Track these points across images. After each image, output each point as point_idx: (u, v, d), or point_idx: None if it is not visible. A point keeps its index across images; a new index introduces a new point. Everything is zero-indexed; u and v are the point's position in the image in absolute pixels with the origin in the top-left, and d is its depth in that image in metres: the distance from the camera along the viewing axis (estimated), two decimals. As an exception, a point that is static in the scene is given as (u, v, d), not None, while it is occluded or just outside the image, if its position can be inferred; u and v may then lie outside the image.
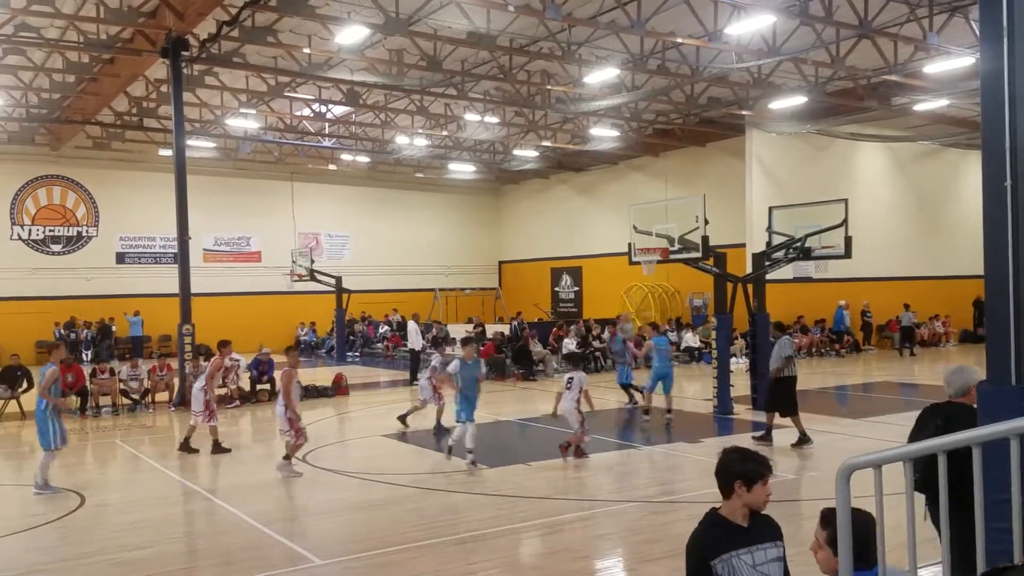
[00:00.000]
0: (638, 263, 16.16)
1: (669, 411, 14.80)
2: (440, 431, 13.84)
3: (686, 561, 3.50)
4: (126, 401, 17.83)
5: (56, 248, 31.09)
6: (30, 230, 30.63)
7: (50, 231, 30.98)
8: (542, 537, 8.38)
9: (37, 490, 10.44)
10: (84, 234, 31.64)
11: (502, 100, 24.91)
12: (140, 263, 32.36)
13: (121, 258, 32.19)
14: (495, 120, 27.37)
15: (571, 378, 11.84)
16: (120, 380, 17.97)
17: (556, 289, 38.00)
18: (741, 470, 3.49)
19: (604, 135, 28.82)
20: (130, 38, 19.38)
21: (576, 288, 36.98)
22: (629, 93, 23.20)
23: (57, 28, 18.96)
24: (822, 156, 28.14)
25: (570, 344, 23.39)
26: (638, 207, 17.31)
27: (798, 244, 15.68)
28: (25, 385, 17.19)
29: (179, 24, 17.28)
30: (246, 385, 19.00)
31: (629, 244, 16.15)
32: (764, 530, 3.55)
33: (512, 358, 22.62)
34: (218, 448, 12.69)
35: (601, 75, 21.11)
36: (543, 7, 16.40)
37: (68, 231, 31.30)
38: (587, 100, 24.04)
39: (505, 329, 25.97)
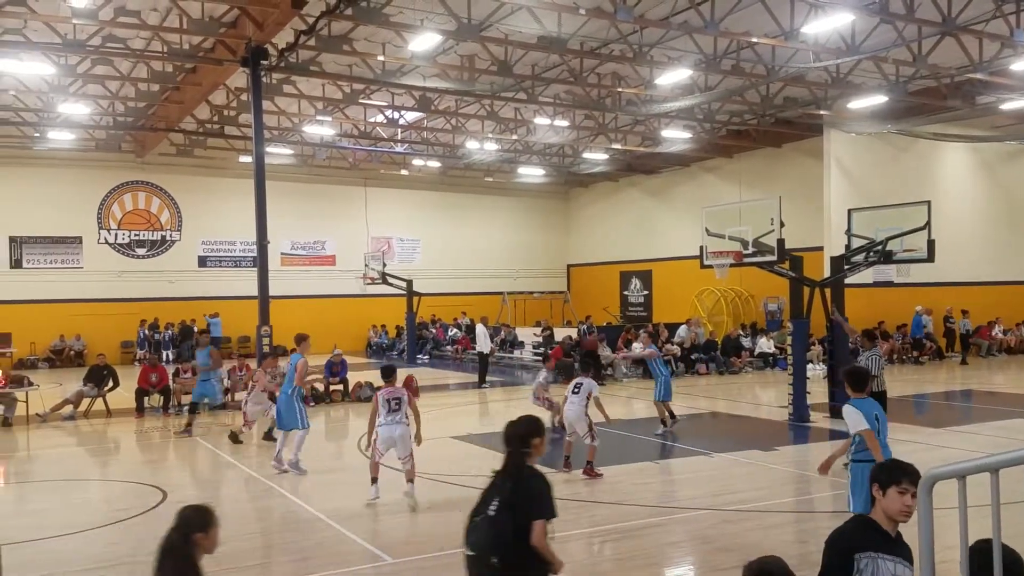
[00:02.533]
0: (710, 266, 15.88)
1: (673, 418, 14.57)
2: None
3: (825, 554, 3.53)
4: (206, 400, 18.35)
5: (141, 252, 32.33)
6: (116, 234, 31.92)
7: (135, 235, 32.22)
8: (613, 543, 8.31)
9: (293, 469, 11.06)
10: (168, 238, 32.82)
11: (572, 103, 24.87)
12: (221, 266, 33.36)
13: (203, 261, 33.27)
14: (565, 123, 27.35)
15: (579, 383, 11.35)
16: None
17: (625, 293, 37.70)
18: (877, 473, 3.60)
19: (676, 137, 28.48)
20: (211, 48, 20.02)
21: (646, 292, 36.63)
22: (702, 94, 22.88)
23: (142, 39, 19.72)
24: (903, 157, 27.23)
25: (638, 349, 23.14)
26: (711, 209, 17.00)
27: (879, 247, 15.19)
28: (111, 384, 17.90)
29: (258, 34, 17.76)
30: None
31: (701, 247, 15.90)
32: (905, 549, 3.58)
33: (580, 362, 22.49)
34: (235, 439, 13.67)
35: (673, 76, 20.87)
36: (614, 9, 16.32)
37: (153, 235, 32.51)
38: (659, 102, 23.80)
39: (573, 333, 25.88)
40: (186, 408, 17.91)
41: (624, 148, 30.68)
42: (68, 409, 17.26)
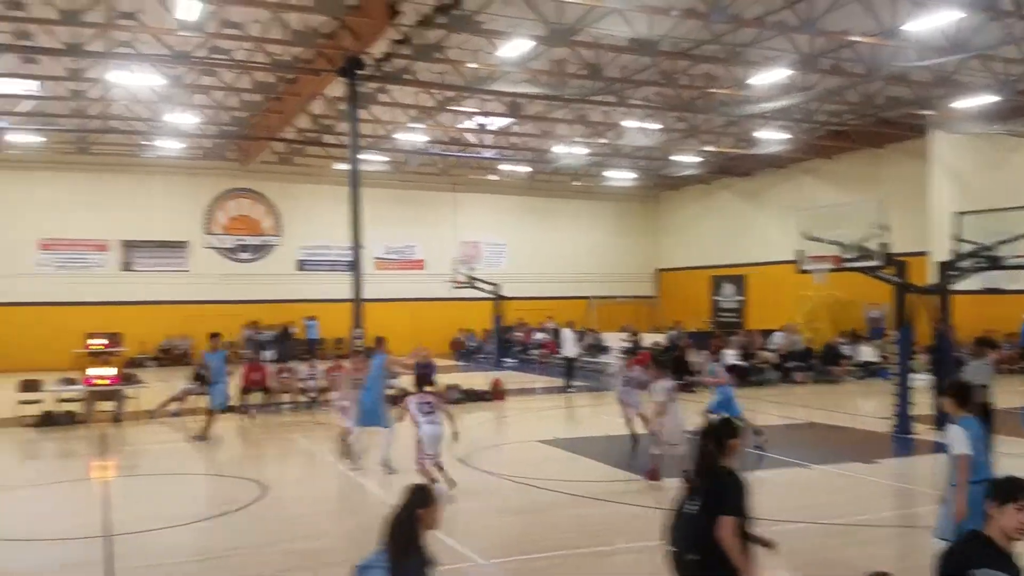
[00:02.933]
0: (807, 272, 15.41)
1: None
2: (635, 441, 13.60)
3: (938, 570, 3.47)
4: (303, 399, 18.95)
5: (244, 256, 33.61)
6: (221, 239, 33.29)
7: (239, 240, 33.54)
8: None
9: (384, 467, 11.33)
10: (269, 243, 34.02)
11: (663, 105, 24.58)
12: (318, 270, 34.34)
13: (301, 265, 34.33)
14: (655, 126, 27.05)
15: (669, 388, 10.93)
16: (299, 379, 19.15)
17: (717, 298, 36.95)
18: (994, 490, 3.53)
19: (771, 138, 27.78)
20: (311, 59, 20.66)
21: (739, 297, 35.81)
22: (799, 94, 22.25)
23: (246, 50, 20.49)
24: (1013, 158, 25.75)
25: (731, 356, 22.69)
26: (808, 212, 16.50)
27: (989, 252, 14.42)
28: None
29: (356, 44, 18.22)
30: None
31: (798, 252, 15.44)
32: (1018, 569, 3.50)
33: (655, 363, 22.22)
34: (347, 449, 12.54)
35: (768, 76, 20.37)
36: (708, 10, 16.05)
37: (255, 240, 33.77)
38: (753, 102, 23.27)
39: (661, 339, 25.53)
40: (284, 407, 18.57)
41: (717, 150, 30.11)
42: (174, 406, 18.09)
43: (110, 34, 18.82)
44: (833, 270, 14.91)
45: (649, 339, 25.76)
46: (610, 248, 39.20)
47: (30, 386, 17.50)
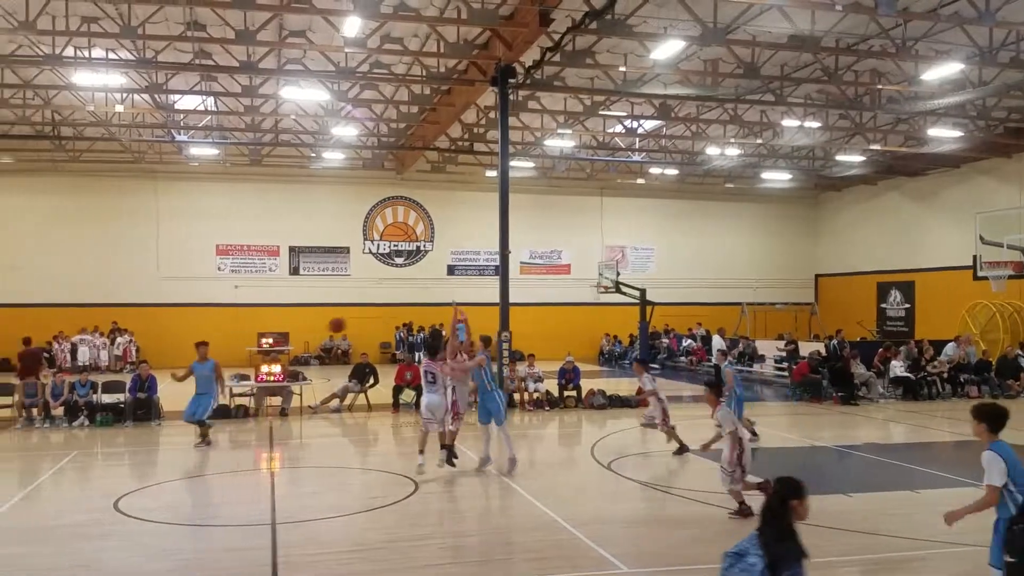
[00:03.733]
0: (985, 278, 14.25)
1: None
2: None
3: None
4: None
5: (399, 261, 34.99)
6: (378, 245, 34.81)
7: (394, 246, 34.95)
8: (863, 575, 7.69)
9: (509, 463, 11.67)
10: (422, 248, 35.25)
11: (825, 103, 23.49)
12: (467, 275, 35.24)
13: (451, 270, 35.35)
14: (816, 124, 25.87)
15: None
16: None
17: (883, 306, 34.83)
18: None
19: (944, 136, 25.90)
20: (465, 69, 21.22)
21: (907, 305, 33.59)
22: (975, 89, 20.64)
23: (404, 64, 21.33)
24: None
25: (898, 367, 21.31)
26: (986, 215, 15.29)
27: None
28: (372, 381, 19.51)
29: (508, 54, 18.54)
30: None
31: (974, 256, 14.34)
32: None
33: (830, 380, 21.14)
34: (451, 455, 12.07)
35: (941, 71, 19.04)
36: (875, 4, 15.18)
37: (409, 246, 35.10)
38: (924, 98, 21.80)
39: (821, 347, 24.32)
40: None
41: (884, 149, 28.41)
42: (335, 402, 19.06)
43: (282, 52, 20.11)
44: (1013, 277, 13.72)
45: (808, 348, 24.63)
46: (765, 252, 37.85)
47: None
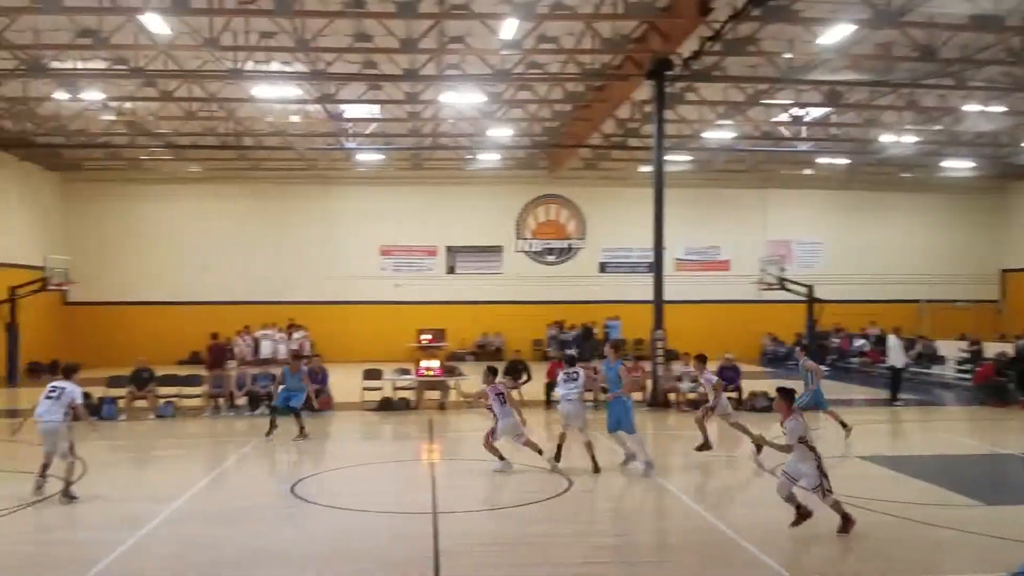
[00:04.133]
0: None
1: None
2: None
3: None
4: (603, 397, 19.31)
5: (550, 259, 35.24)
6: (531, 243, 35.21)
7: (546, 244, 35.24)
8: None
9: (645, 466, 11.63)
10: (573, 246, 35.33)
11: (1011, 86, 21.52)
12: (619, 272, 34.98)
13: (603, 267, 35.20)
14: (1000, 109, 23.76)
15: None
16: (601, 378, 19.58)
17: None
18: None
19: None
20: (619, 65, 21.04)
21: (1111, 305, 30.28)
22: None
23: (558, 62, 21.44)
24: None
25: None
26: None
27: None
28: (525, 377, 19.71)
29: (664, 46, 18.22)
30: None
31: None
32: None
33: (1017, 383, 19.40)
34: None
35: None
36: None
37: (561, 244, 35.27)
38: None
39: (1008, 348, 22.35)
40: (589, 404, 19.07)
41: (1081, 133, 25.73)
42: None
43: (442, 58, 20.73)
44: None
45: (992, 349, 22.70)
46: (944, 246, 35.17)
47: (372, 375, 19.85)
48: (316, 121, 26.25)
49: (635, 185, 32.06)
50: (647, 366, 19.90)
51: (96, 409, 17.41)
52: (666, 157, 21.22)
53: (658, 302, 19.83)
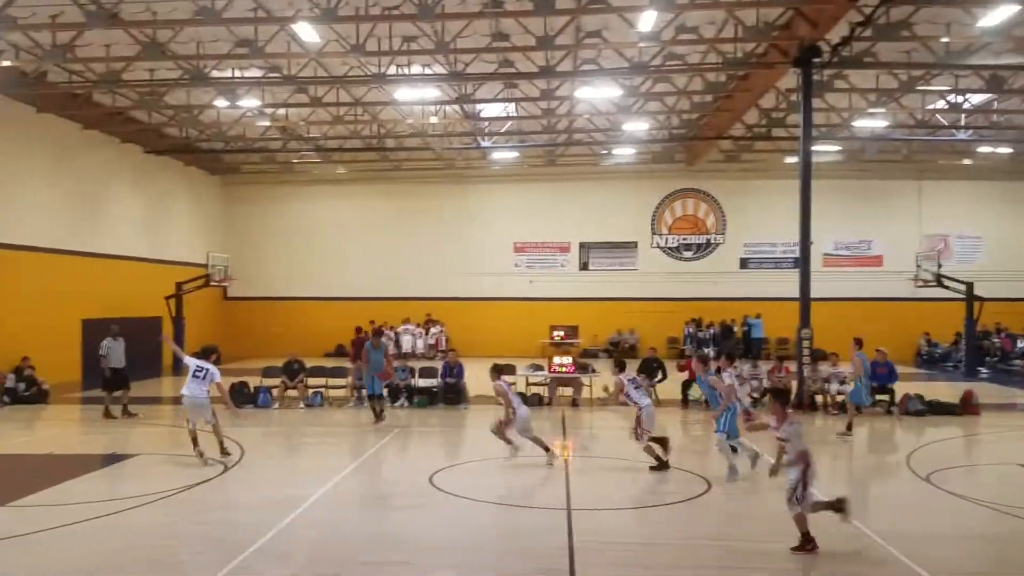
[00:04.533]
0: None
1: None
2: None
3: None
4: (746, 399, 18.73)
5: (688, 255, 34.53)
6: (667, 239, 34.61)
7: (683, 239, 34.54)
8: None
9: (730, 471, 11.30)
10: (712, 241, 34.46)
11: None
12: (761, 268, 33.85)
13: (744, 263, 34.15)
14: None
15: None
16: (742, 378, 18.99)
17: None
18: None
19: None
20: (763, 52, 20.35)
21: None
22: None
23: (698, 52, 20.96)
24: None
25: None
26: None
27: None
28: (660, 376, 19.42)
29: (811, 32, 17.50)
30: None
31: None
32: None
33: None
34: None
35: None
36: None
37: (698, 239, 34.49)
38: None
39: None
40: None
41: None
42: (622, 396, 19.21)
43: (577, 53, 20.72)
44: None
45: None
46: None
47: (505, 370, 20.07)
48: (453, 121, 26.84)
49: (779, 177, 31.02)
50: (792, 367, 19.16)
51: (252, 397, 18.58)
52: (813, 147, 20.36)
53: (804, 299, 19.06)
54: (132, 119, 26.28)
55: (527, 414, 12.47)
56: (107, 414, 16.94)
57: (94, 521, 8.93)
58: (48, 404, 19.42)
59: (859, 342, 15.40)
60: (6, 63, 19.32)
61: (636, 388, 12.24)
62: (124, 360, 17.38)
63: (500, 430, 12.45)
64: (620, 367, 12.62)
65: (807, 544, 7.96)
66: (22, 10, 16.74)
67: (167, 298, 27.87)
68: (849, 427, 14.98)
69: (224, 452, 12.34)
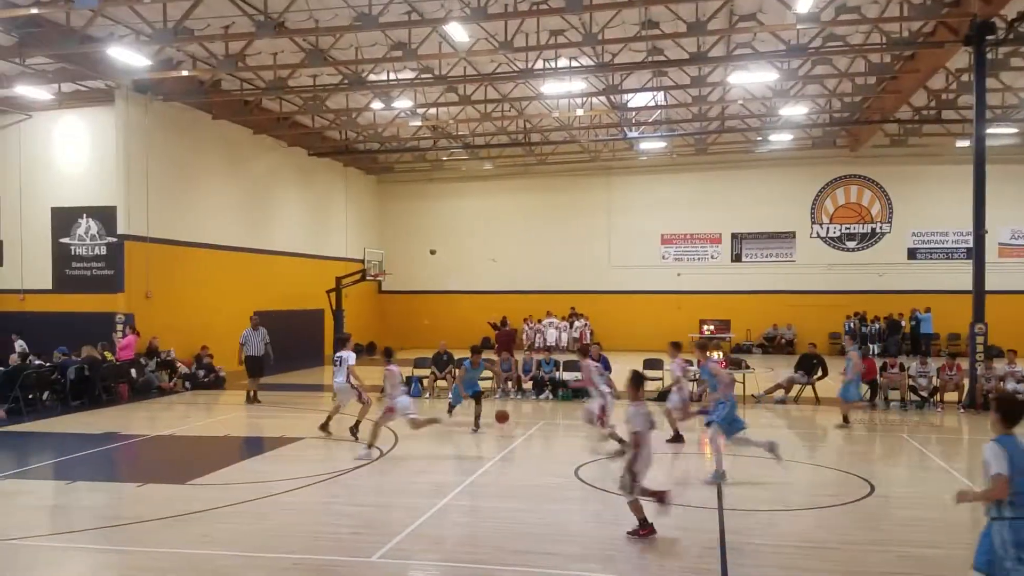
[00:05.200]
0: None
1: None
2: None
3: None
4: (914, 397, 17.64)
5: (850, 245, 32.75)
6: (828, 228, 32.96)
7: (846, 229, 32.80)
8: None
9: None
10: (877, 231, 32.54)
11: None
12: (931, 259, 31.69)
13: (912, 254, 32.07)
14: None
15: None
16: (908, 376, 17.88)
17: None
18: None
19: None
20: (931, 31, 19.07)
21: None
22: None
23: (861, 33, 19.82)
24: None
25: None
26: None
27: None
28: (820, 373, 18.56)
29: (984, 8, 16.30)
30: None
31: None
32: None
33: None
34: None
35: None
36: None
37: (862, 228, 32.65)
38: None
39: None
40: (892, 404, 17.56)
41: None
42: (779, 393, 18.54)
43: (731, 38, 20.10)
44: None
45: None
46: None
47: (652, 365, 19.80)
48: (600, 113, 26.71)
49: (950, 162, 28.99)
50: (964, 364, 17.84)
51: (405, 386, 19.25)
52: (988, 130, 18.84)
53: (978, 292, 17.70)
54: (297, 123, 27.91)
55: (408, 402, 12.41)
56: (253, 398, 18.33)
57: (261, 501, 9.55)
58: (224, 390, 20.96)
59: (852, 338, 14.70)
60: (184, 73, 20.97)
61: (600, 375, 12.59)
62: (263, 349, 18.67)
63: (382, 421, 12.32)
64: (676, 348, 13.42)
65: (643, 529, 8.08)
66: (198, 23, 18.09)
67: (328, 292, 29.39)
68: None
69: (354, 431, 13.10)
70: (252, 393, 18.49)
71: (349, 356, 13.56)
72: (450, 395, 16.05)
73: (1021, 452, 5.31)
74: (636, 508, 8.14)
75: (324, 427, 13.66)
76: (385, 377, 12.43)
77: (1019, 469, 5.24)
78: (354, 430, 13.23)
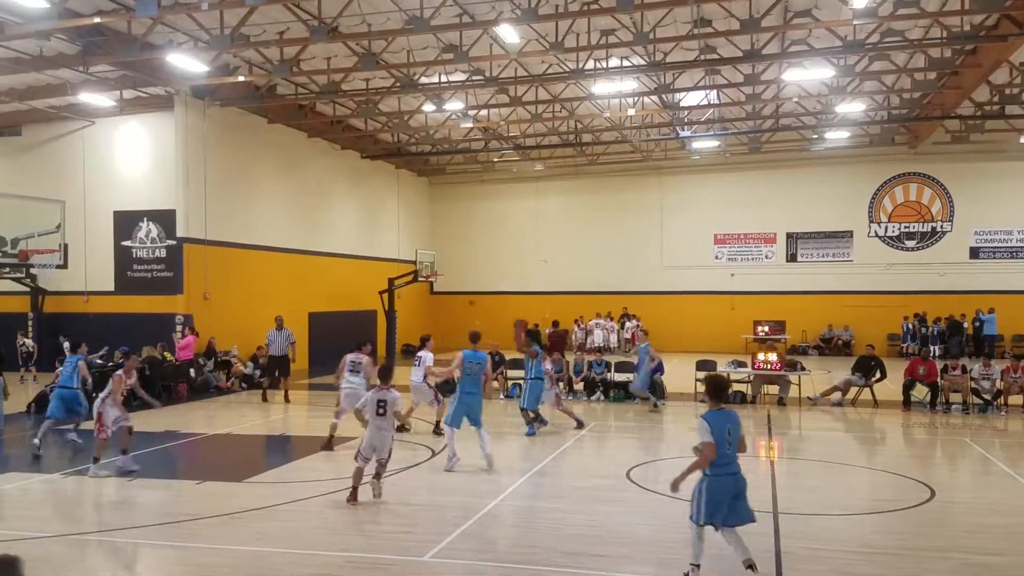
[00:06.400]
0: None
1: None
2: None
3: None
4: (977, 400, 17.12)
5: (910, 244, 31.93)
6: (886, 227, 32.18)
7: (905, 227, 31.99)
8: None
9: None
10: (938, 229, 31.67)
11: None
12: (994, 258, 30.73)
13: (975, 253, 31.14)
14: None
15: None
16: (971, 378, 17.36)
17: None
18: None
19: None
20: (995, 24, 18.50)
21: None
22: None
23: (920, 27, 19.33)
24: None
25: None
26: None
27: None
28: (878, 375, 18.14)
29: (1051, -3, 15.65)
30: None
31: None
32: None
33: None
34: None
35: None
36: None
37: (922, 227, 31.81)
38: None
39: None
40: (955, 407, 17.08)
41: None
42: (836, 395, 18.17)
43: (785, 35, 19.77)
44: None
45: None
46: None
47: (705, 366, 19.57)
48: (651, 112, 26.50)
49: (1014, 159, 28.18)
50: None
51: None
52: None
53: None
54: (350, 127, 28.28)
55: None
56: (283, 398, 19.01)
57: (317, 499, 9.70)
58: (279, 389, 21.32)
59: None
60: (241, 78, 21.42)
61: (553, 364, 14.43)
62: (286, 349, 19.11)
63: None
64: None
65: (354, 495, 9.36)
66: (253, 28, 18.46)
67: (380, 293, 29.70)
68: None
69: (439, 431, 13.53)
70: (271, 393, 19.20)
71: (428, 356, 13.94)
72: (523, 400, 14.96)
73: None
74: (355, 475, 9.40)
75: (401, 427, 13.62)
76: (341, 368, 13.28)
77: None
78: (437, 430, 13.71)
